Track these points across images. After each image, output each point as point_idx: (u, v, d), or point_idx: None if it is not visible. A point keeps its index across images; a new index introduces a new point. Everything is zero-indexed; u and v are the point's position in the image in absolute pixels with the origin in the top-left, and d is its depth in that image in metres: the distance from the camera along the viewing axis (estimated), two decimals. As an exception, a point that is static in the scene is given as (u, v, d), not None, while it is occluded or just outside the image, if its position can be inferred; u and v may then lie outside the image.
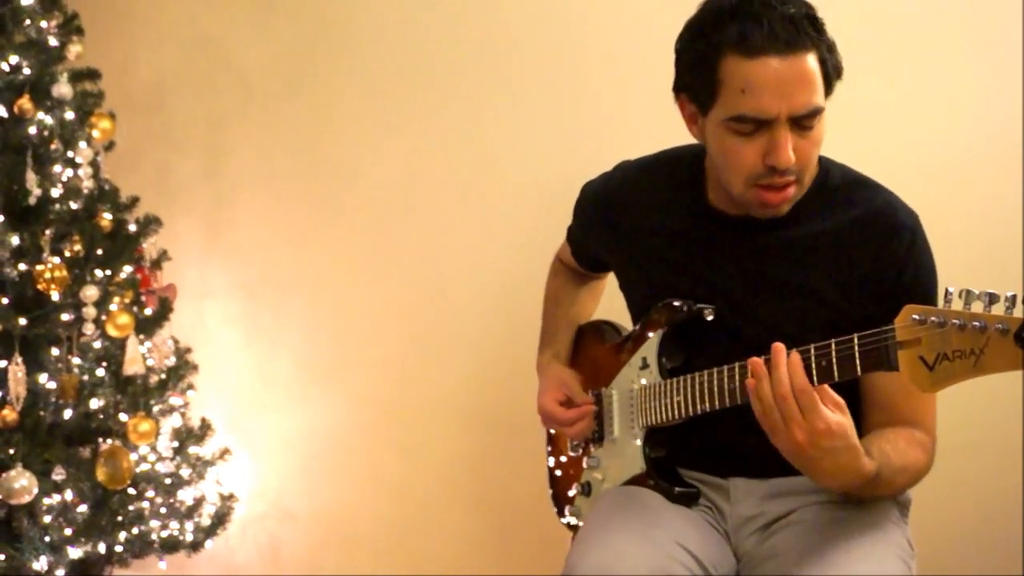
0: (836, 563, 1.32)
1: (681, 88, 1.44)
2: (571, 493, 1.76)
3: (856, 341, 1.22)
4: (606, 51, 2.46)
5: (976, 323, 1.07)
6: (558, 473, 1.85)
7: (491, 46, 2.57)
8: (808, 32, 1.32)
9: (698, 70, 1.38)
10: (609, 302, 1.86)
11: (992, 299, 1.07)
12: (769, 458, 1.46)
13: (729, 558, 1.50)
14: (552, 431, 1.88)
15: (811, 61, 1.32)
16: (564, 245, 1.90)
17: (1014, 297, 1.04)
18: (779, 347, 1.25)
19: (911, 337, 1.14)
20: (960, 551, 2.18)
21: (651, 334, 1.58)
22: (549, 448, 1.90)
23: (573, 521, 1.76)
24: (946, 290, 1.12)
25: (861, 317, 1.33)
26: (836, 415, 1.22)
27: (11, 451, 1.98)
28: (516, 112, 2.55)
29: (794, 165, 1.35)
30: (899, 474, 1.34)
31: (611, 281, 1.81)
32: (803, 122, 1.34)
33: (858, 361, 1.22)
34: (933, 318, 1.11)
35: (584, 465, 1.73)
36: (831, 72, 1.36)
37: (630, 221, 1.62)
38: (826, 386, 1.24)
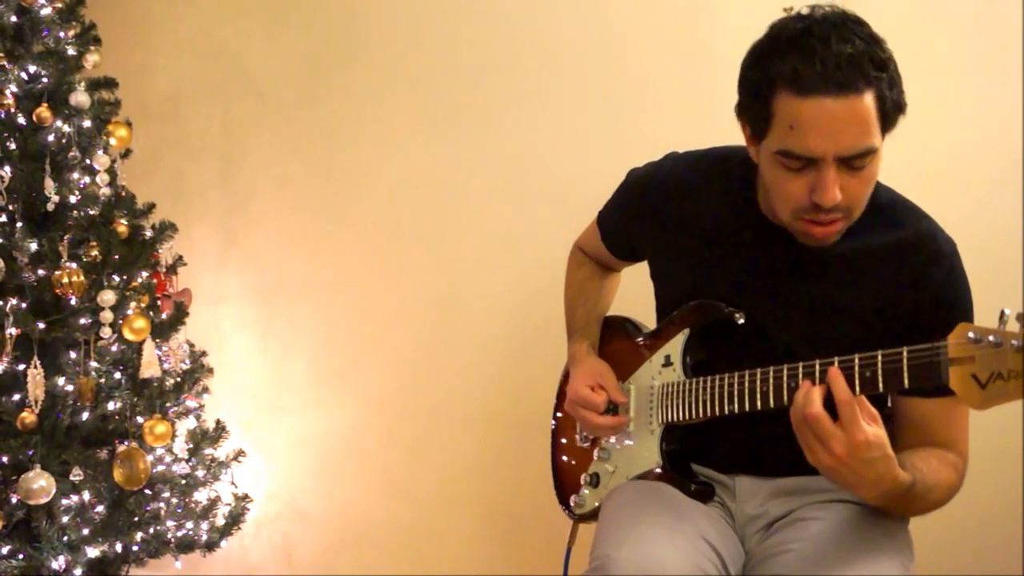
0: (836, 565, 1.32)
1: (740, 112, 1.42)
2: (580, 483, 1.74)
3: (905, 354, 1.21)
4: (619, 56, 2.47)
5: None
6: (567, 460, 1.82)
7: (502, 53, 2.58)
8: (866, 72, 1.26)
9: (753, 99, 1.36)
10: (630, 299, 1.87)
11: None
12: (775, 457, 1.47)
13: (742, 554, 1.50)
14: (560, 436, 1.87)
15: (867, 101, 1.27)
16: (588, 233, 1.86)
17: None
18: (835, 371, 1.25)
19: (964, 355, 1.14)
20: (960, 551, 2.17)
21: (678, 332, 1.57)
22: (554, 437, 1.88)
23: (577, 511, 1.74)
24: (1002, 311, 1.11)
25: (892, 338, 1.29)
26: (873, 427, 1.22)
27: (30, 453, 2.00)
28: (525, 118, 2.56)
29: (842, 202, 1.32)
30: (932, 490, 1.33)
31: (630, 281, 1.80)
32: (853, 162, 1.30)
33: (906, 374, 1.21)
34: (990, 337, 1.11)
35: (594, 456, 1.72)
36: (890, 109, 1.30)
37: (673, 212, 1.59)
38: (863, 398, 1.23)
